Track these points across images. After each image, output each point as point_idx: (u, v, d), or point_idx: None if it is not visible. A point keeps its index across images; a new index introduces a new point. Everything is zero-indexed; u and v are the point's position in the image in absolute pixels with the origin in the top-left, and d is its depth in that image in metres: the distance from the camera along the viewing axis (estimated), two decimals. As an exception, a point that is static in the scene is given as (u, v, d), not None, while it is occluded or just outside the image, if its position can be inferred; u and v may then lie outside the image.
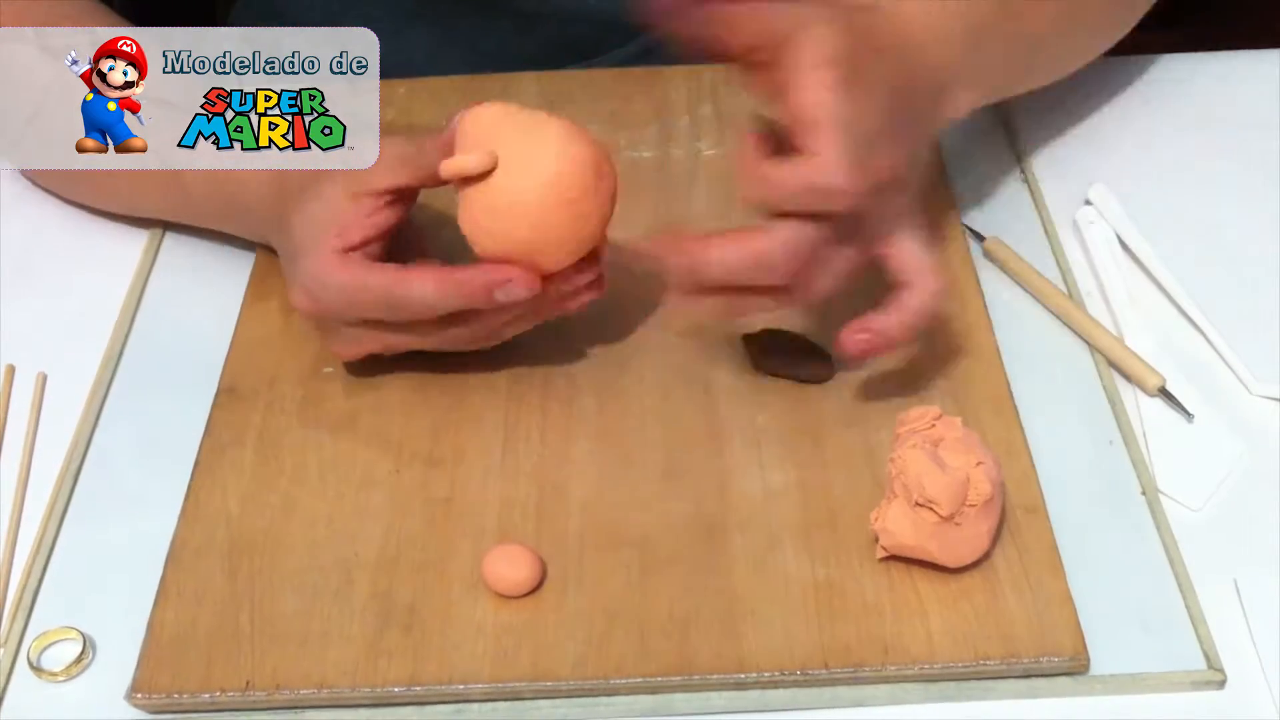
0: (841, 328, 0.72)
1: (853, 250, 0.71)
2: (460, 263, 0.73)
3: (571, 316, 0.81)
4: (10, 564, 0.71)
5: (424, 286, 0.71)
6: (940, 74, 0.75)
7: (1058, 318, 0.81)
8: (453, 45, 1.02)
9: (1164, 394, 0.76)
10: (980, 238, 0.85)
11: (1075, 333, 0.80)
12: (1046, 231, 0.87)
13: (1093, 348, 0.79)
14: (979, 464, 0.66)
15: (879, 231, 0.71)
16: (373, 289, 0.72)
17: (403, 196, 0.75)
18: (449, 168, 0.71)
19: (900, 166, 0.71)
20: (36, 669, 0.67)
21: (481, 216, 0.71)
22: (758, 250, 0.69)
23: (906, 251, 0.72)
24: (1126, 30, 0.93)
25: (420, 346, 0.76)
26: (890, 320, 0.71)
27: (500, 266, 0.71)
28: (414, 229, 0.78)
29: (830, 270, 0.71)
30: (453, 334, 0.75)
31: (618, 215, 0.87)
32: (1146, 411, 0.76)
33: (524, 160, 0.70)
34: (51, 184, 0.92)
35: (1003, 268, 0.84)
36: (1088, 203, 0.88)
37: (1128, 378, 0.77)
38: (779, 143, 0.70)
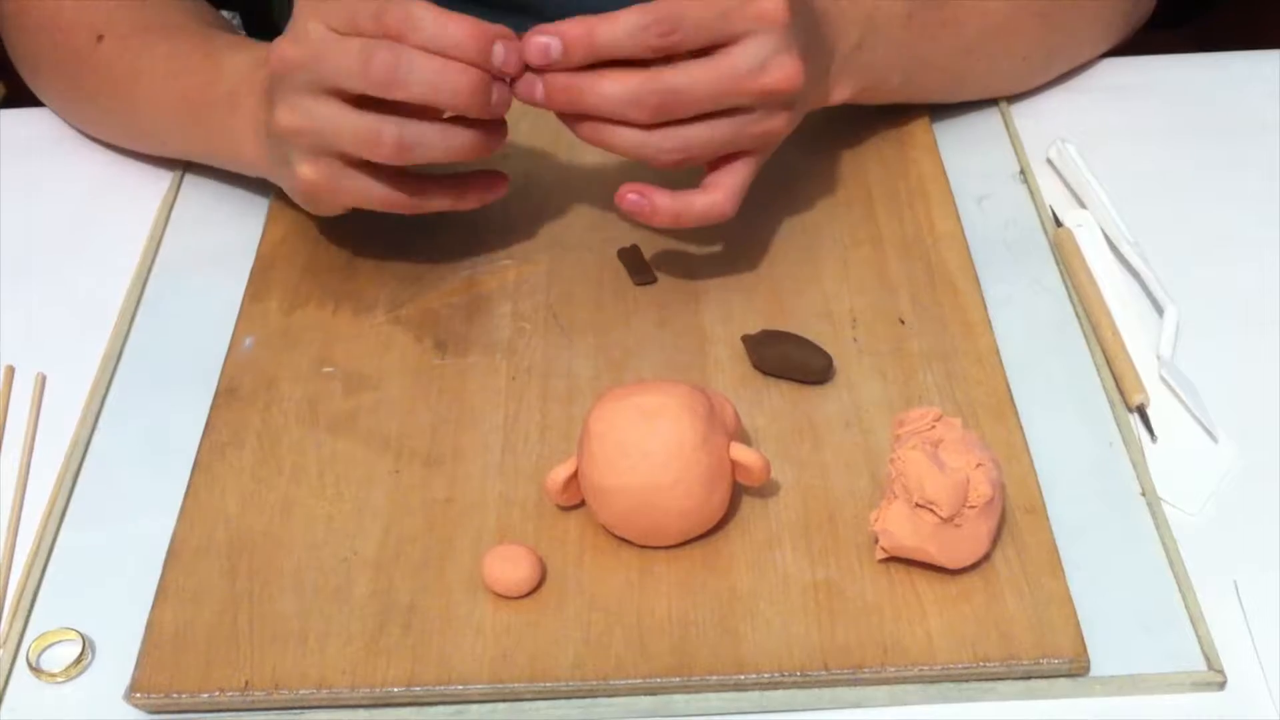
0: None
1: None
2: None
3: (571, 315, 0.81)
4: (10, 565, 0.71)
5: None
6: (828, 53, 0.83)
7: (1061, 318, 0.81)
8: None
9: (1139, 412, 0.76)
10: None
11: (1076, 334, 0.80)
12: (1045, 231, 0.87)
13: (1091, 350, 0.79)
14: (979, 465, 0.66)
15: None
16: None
17: None
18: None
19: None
20: (36, 670, 0.67)
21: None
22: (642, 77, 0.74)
23: (728, 170, 0.78)
24: (1069, 64, 0.97)
25: (380, 149, 0.73)
26: (666, 199, 0.78)
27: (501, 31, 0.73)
28: None
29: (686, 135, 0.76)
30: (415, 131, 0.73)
31: (617, 213, 0.87)
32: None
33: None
34: (79, 120, 0.96)
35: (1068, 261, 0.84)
36: (1082, 205, 0.88)
37: (1118, 385, 0.77)
38: None
